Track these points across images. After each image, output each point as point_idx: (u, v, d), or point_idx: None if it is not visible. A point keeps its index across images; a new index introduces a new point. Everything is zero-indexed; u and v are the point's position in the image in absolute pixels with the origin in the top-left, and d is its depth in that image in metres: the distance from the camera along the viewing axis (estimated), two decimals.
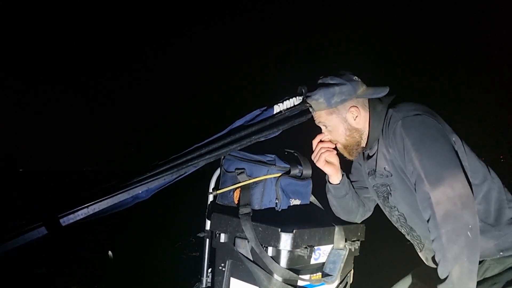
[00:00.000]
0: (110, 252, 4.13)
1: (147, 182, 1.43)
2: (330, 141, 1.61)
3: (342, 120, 1.55)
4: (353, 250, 1.61)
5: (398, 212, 1.54)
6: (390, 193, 1.52)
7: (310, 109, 1.52)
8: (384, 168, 1.49)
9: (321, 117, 1.56)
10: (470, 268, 1.21)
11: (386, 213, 1.63)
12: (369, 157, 1.60)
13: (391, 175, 1.48)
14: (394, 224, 1.63)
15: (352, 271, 1.72)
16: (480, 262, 1.38)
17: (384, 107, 1.50)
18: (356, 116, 1.53)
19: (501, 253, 1.37)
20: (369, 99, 1.55)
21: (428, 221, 1.28)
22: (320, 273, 1.53)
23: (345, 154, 1.60)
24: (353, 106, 1.53)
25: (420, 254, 1.58)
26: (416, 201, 1.39)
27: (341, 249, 1.56)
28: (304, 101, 1.55)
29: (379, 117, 1.49)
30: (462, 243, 1.21)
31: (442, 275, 1.23)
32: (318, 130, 1.65)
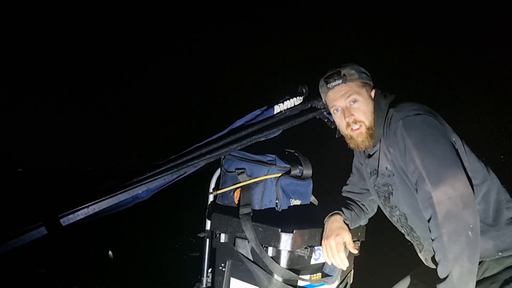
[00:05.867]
0: (110, 252, 4.12)
1: (147, 182, 1.43)
2: (355, 120, 1.51)
3: (370, 97, 1.55)
4: None
5: (399, 212, 1.54)
6: (392, 193, 1.52)
7: (342, 80, 1.51)
8: (386, 168, 1.49)
9: (353, 88, 1.52)
10: (470, 268, 1.21)
11: (387, 213, 1.63)
12: (370, 156, 1.60)
13: (393, 175, 1.48)
14: (394, 224, 1.63)
15: (352, 271, 1.72)
16: (479, 263, 1.38)
17: (386, 105, 1.50)
18: (374, 102, 1.53)
19: (500, 254, 1.37)
20: (374, 94, 1.56)
21: (429, 220, 1.28)
22: (320, 273, 1.53)
23: (362, 139, 1.52)
24: (374, 89, 1.56)
25: (419, 254, 1.59)
26: (416, 202, 1.39)
27: None
28: (304, 101, 1.54)
29: (382, 114, 1.49)
30: (463, 243, 1.21)
31: (442, 275, 1.23)
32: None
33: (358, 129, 1.51)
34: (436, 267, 1.26)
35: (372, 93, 1.56)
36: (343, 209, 1.60)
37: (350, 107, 1.52)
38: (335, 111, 1.56)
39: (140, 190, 1.42)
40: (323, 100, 1.63)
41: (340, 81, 1.52)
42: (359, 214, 1.66)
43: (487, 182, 1.41)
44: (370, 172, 1.61)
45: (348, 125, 1.53)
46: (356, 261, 1.72)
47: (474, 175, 1.39)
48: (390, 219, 1.63)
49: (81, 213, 1.31)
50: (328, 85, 1.55)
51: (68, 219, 1.30)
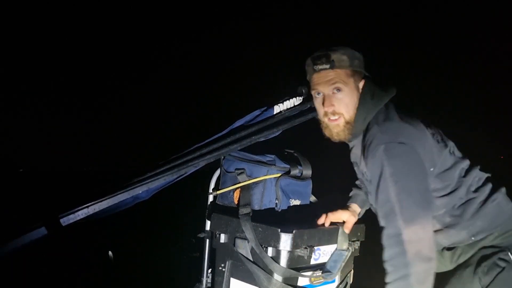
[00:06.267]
0: (110, 253, 4.13)
1: (148, 182, 1.43)
2: (333, 111, 1.44)
3: (356, 88, 1.46)
4: (353, 250, 1.62)
5: (375, 210, 1.53)
6: (368, 193, 1.53)
7: (329, 65, 1.41)
8: (365, 171, 1.46)
9: (340, 76, 1.42)
10: None
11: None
12: (351, 148, 1.58)
13: (369, 181, 1.45)
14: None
15: (352, 271, 1.72)
16: (453, 249, 1.45)
17: (373, 107, 1.43)
18: (361, 93, 1.46)
19: (472, 238, 1.39)
20: (362, 87, 1.47)
21: (391, 259, 1.25)
22: (320, 275, 1.53)
23: (337, 131, 1.47)
24: (363, 79, 1.48)
25: None
26: None
27: (344, 250, 1.56)
28: (304, 101, 1.54)
29: (365, 115, 1.43)
30: (429, 285, 1.22)
31: None
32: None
33: (335, 120, 1.45)
34: None
35: (361, 84, 1.47)
36: (357, 193, 1.65)
37: (333, 95, 1.43)
38: (316, 95, 1.48)
39: (141, 190, 1.43)
40: (307, 78, 1.55)
41: (327, 66, 1.42)
42: None
43: (461, 182, 1.41)
44: (353, 163, 1.59)
45: (326, 114, 1.46)
46: (356, 261, 1.72)
47: (448, 183, 1.40)
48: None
49: (81, 213, 1.32)
50: (315, 67, 1.45)
51: (68, 219, 1.30)
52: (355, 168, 1.60)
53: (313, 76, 1.48)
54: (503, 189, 1.43)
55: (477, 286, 1.36)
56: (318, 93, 1.47)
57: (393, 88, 1.50)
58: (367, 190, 1.54)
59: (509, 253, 1.34)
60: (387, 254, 1.26)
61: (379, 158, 1.31)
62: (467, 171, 1.43)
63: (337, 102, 1.43)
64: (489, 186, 1.42)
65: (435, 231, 1.39)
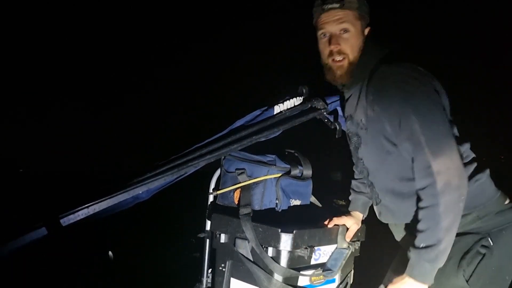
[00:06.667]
0: (110, 253, 4.12)
1: (148, 183, 1.43)
2: (339, 51, 1.44)
3: (362, 32, 1.47)
4: (353, 250, 1.62)
5: (363, 165, 1.54)
6: (361, 145, 1.52)
7: (339, 4, 1.41)
8: (361, 119, 1.45)
9: (348, 17, 1.42)
10: (453, 238, 1.25)
11: (354, 161, 1.63)
12: (347, 99, 1.57)
13: (365, 130, 1.45)
14: (358, 173, 1.67)
15: (352, 272, 1.72)
16: None
17: (377, 54, 1.44)
18: (366, 38, 1.47)
19: None
20: (367, 32, 1.49)
21: (423, 189, 1.27)
22: (320, 275, 1.53)
23: (341, 73, 1.46)
24: (369, 27, 1.49)
25: (375, 207, 1.60)
26: (380, 162, 1.42)
27: (344, 248, 1.57)
28: (304, 101, 1.54)
29: (370, 57, 1.44)
30: (457, 213, 1.24)
31: (426, 242, 1.24)
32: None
33: (340, 61, 1.45)
34: (415, 232, 1.27)
35: (366, 30, 1.50)
36: (357, 197, 1.65)
37: (340, 35, 1.43)
38: (322, 36, 1.48)
39: (141, 191, 1.43)
40: (313, 21, 1.52)
41: (337, 5, 1.42)
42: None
43: None
44: (346, 117, 1.59)
45: (330, 54, 1.45)
46: (356, 261, 1.72)
47: None
48: (355, 167, 1.65)
49: (82, 213, 1.32)
50: (324, 6, 1.44)
51: (68, 219, 1.30)
52: (348, 123, 1.58)
53: (320, 16, 1.47)
54: (487, 171, 1.43)
55: (461, 279, 1.34)
56: (324, 34, 1.46)
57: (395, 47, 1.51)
58: (359, 143, 1.51)
59: (489, 239, 1.34)
60: (419, 184, 1.29)
61: (395, 97, 1.32)
62: (458, 140, 1.41)
63: (343, 42, 1.43)
64: (474, 165, 1.42)
65: None
